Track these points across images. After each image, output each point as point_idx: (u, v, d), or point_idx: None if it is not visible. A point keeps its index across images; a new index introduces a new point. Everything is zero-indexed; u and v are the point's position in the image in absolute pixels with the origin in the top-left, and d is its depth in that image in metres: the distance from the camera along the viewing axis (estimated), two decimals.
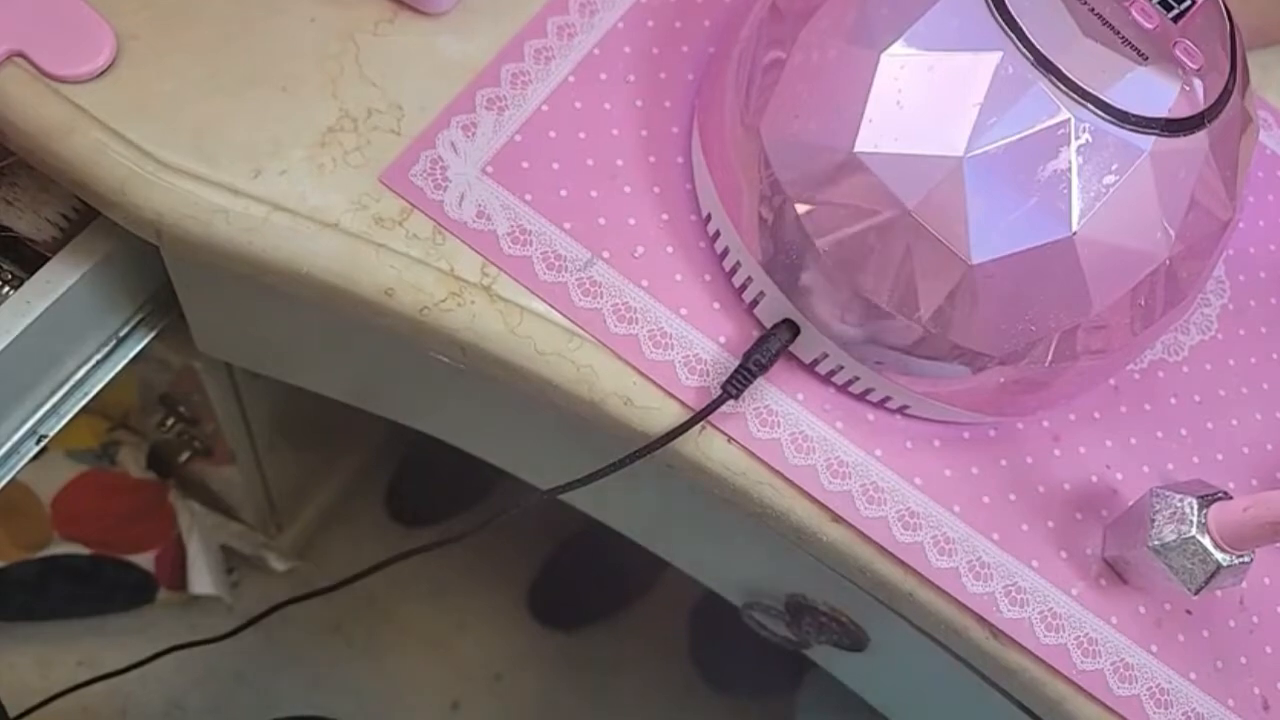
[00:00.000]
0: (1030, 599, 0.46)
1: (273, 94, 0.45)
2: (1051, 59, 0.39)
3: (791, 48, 0.43)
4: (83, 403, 0.57)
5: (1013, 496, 0.47)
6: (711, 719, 1.28)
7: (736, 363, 0.45)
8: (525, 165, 0.47)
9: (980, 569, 0.46)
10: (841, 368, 0.45)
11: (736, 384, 0.44)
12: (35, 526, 1.08)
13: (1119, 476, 0.49)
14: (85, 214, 0.51)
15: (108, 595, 1.14)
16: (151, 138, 0.43)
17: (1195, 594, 0.43)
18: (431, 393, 0.57)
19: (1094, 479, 0.49)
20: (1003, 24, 0.39)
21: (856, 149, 0.40)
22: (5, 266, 0.51)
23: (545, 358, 0.45)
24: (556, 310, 0.45)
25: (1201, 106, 0.40)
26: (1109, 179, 0.39)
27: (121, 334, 0.57)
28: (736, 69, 0.46)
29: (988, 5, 0.39)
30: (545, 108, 0.48)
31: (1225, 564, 0.43)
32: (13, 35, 0.42)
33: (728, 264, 0.47)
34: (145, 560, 1.13)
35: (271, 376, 0.62)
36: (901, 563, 0.45)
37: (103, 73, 0.43)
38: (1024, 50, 0.39)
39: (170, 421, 0.83)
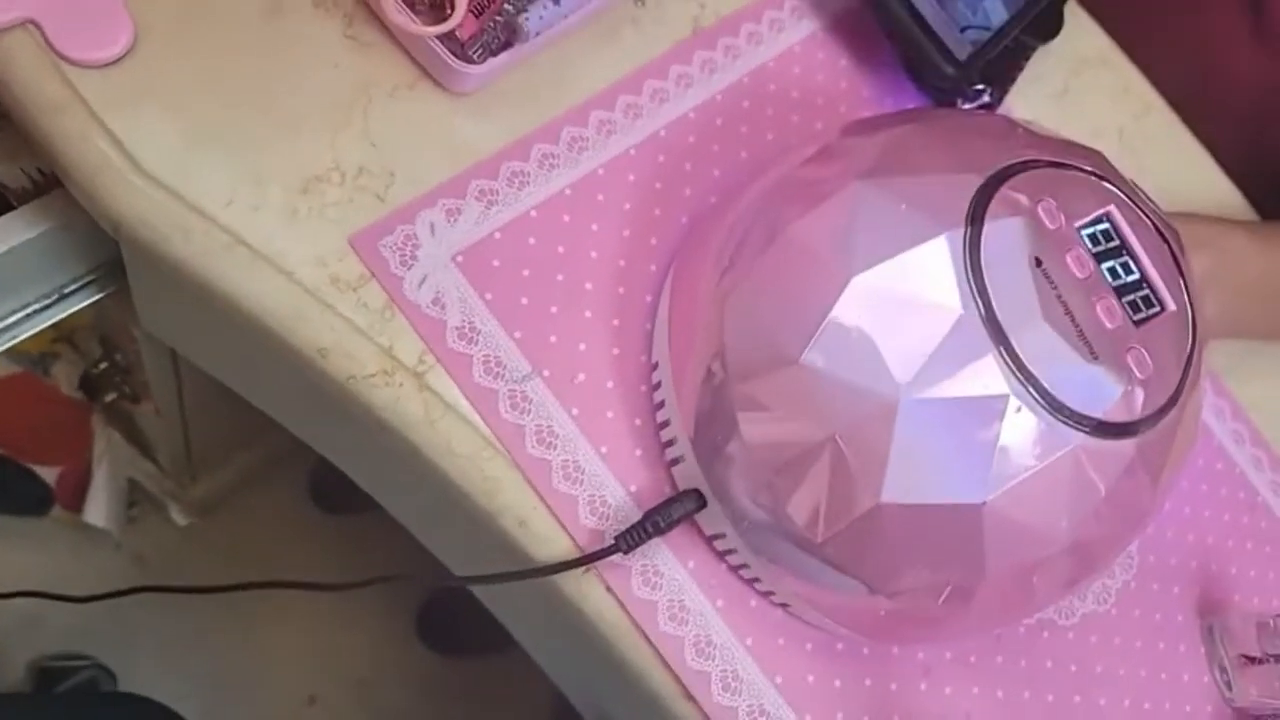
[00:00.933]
0: None
1: (271, 127, 0.46)
2: (1008, 333, 0.39)
3: (780, 235, 0.43)
4: (9, 344, 0.57)
5: (867, 719, 0.47)
6: None
7: (639, 516, 0.45)
8: (496, 264, 0.47)
9: None
10: (736, 551, 0.45)
11: (631, 539, 0.44)
12: None
13: None
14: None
15: (1, 496, 1.12)
16: (136, 138, 0.43)
17: None
18: (352, 439, 0.57)
19: None
20: (973, 285, 0.40)
21: (802, 359, 0.40)
22: None
23: (456, 458, 0.45)
24: (481, 416, 0.45)
25: (1138, 415, 0.41)
26: (1029, 461, 0.40)
27: (66, 291, 0.56)
28: (728, 231, 0.46)
29: (965, 263, 0.40)
30: (534, 213, 0.48)
31: None
32: (31, 3, 0.42)
33: (660, 416, 0.47)
34: (49, 474, 1.11)
35: (205, 371, 0.62)
36: None
37: (110, 64, 0.43)
38: (985, 317, 0.39)
39: (104, 365, 0.82)
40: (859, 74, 0.58)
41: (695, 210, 0.51)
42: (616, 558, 0.44)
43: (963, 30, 0.56)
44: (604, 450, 0.46)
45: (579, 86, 0.51)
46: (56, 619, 1.18)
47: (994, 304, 0.40)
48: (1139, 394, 0.41)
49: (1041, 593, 0.45)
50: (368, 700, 1.25)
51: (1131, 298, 0.42)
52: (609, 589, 0.45)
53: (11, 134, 0.49)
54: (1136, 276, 0.42)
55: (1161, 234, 0.44)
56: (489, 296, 0.47)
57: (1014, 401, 0.39)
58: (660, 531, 0.45)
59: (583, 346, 0.47)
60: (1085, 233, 0.42)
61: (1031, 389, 0.39)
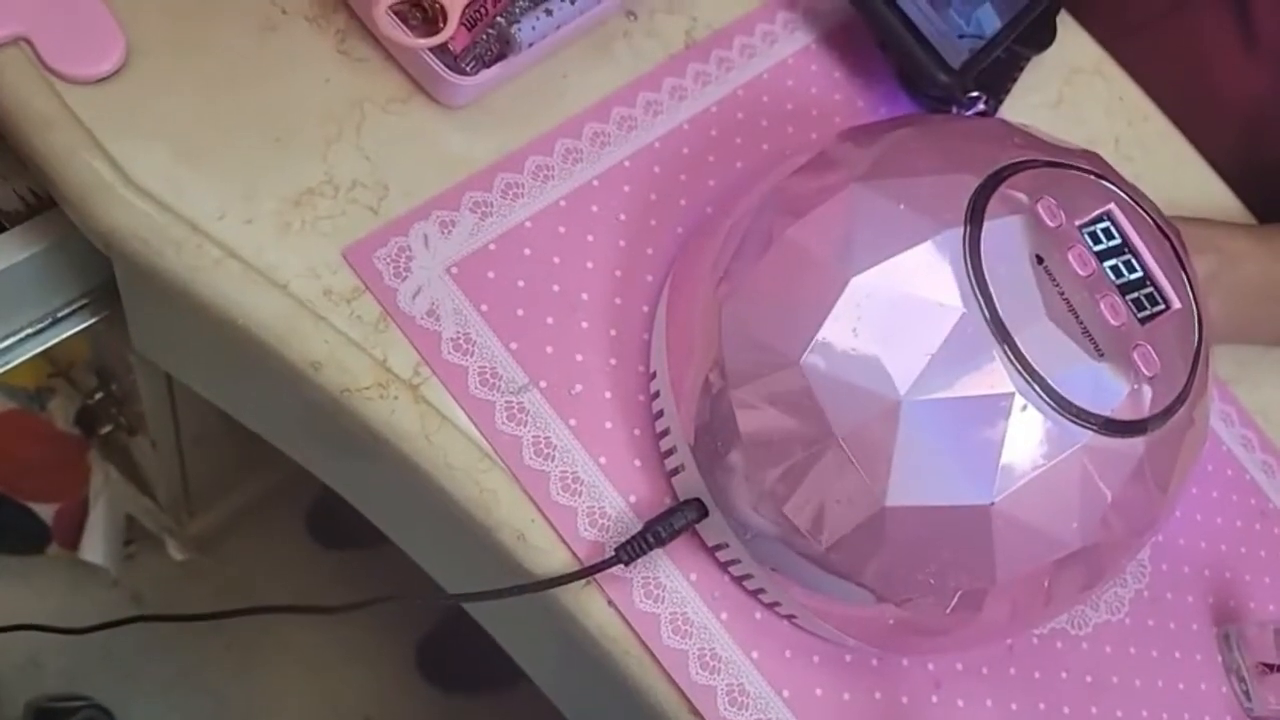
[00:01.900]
0: None
1: (264, 141, 0.45)
2: (1011, 331, 0.39)
3: (777, 239, 0.43)
4: (3, 370, 0.56)
5: None
6: None
7: (639, 527, 0.44)
8: (491, 275, 0.47)
9: None
10: (739, 561, 0.44)
11: (631, 550, 0.43)
12: None
13: None
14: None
15: None
16: (128, 154, 0.43)
17: None
18: (348, 457, 0.56)
19: None
20: (974, 283, 0.39)
21: (802, 362, 0.40)
22: None
23: (452, 472, 0.44)
24: (477, 428, 0.44)
25: (1146, 414, 0.40)
26: (1037, 461, 0.39)
27: (60, 314, 0.56)
28: (725, 239, 0.46)
29: (965, 261, 0.40)
30: (528, 224, 0.48)
31: None
32: (23, 19, 0.42)
33: (659, 426, 0.46)
34: (46, 512, 1.10)
35: (200, 394, 0.61)
36: None
37: (102, 80, 0.43)
38: (987, 315, 0.39)
39: (100, 395, 0.81)
40: (853, 85, 0.58)
41: (691, 220, 0.51)
42: (617, 570, 0.44)
43: (958, 38, 0.56)
44: (603, 461, 0.46)
45: (572, 99, 0.51)
46: (55, 659, 1.17)
47: (996, 302, 0.39)
48: (1146, 391, 0.40)
49: (1053, 599, 0.43)
50: None
51: (1135, 295, 0.41)
52: (610, 602, 0.44)
53: (3, 155, 0.49)
54: (1140, 274, 0.42)
55: (1163, 232, 0.44)
56: (484, 308, 0.46)
57: (1019, 400, 0.38)
58: (661, 542, 0.44)
59: (580, 357, 0.47)
60: (1086, 231, 0.42)
61: (1037, 387, 0.38)
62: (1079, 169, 0.43)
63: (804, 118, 0.56)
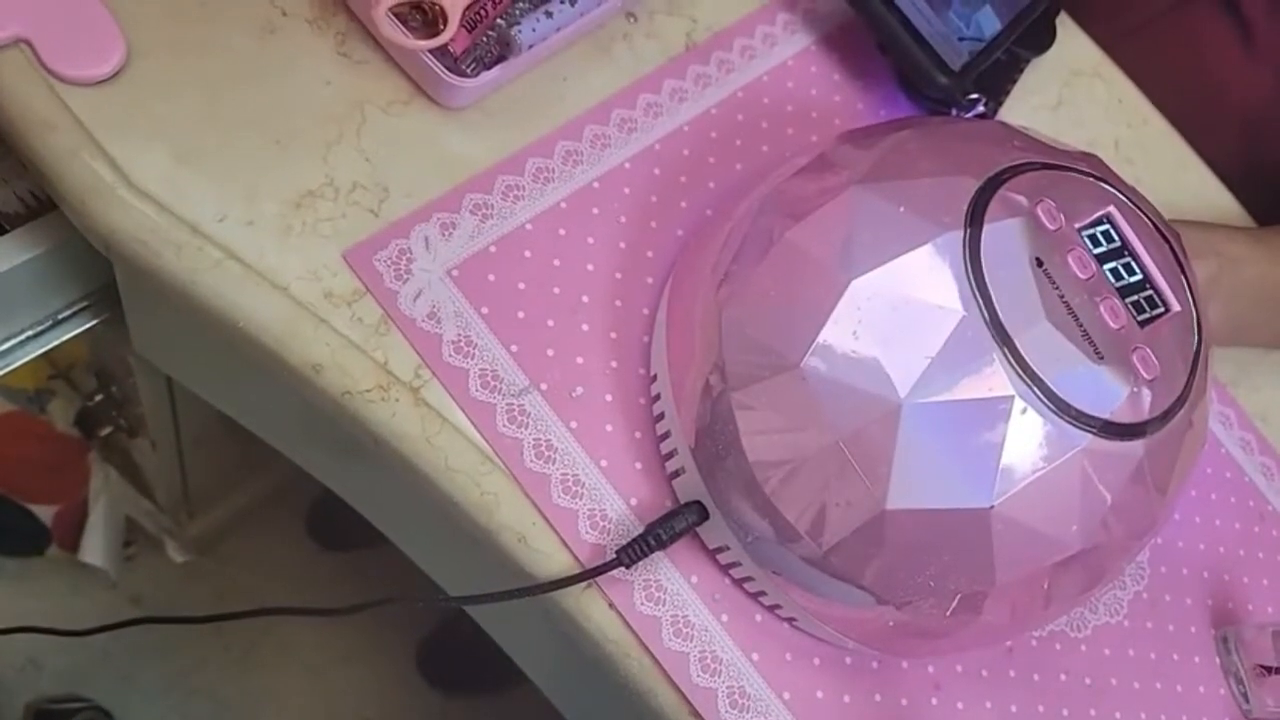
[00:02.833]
0: None
1: (264, 143, 0.45)
2: (1011, 334, 0.39)
3: (778, 241, 0.43)
4: (3, 372, 0.56)
5: None
6: None
7: (640, 530, 0.44)
8: (491, 278, 0.47)
9: None
10: (740, 563, 0.44)
11: (632, 553, 0.43)
12: None
13: None
14: None
15: None
16: (129, 155, 0.43)
17: None
18: (349, 460, 0.56)
19: None
20: (974, 286, 0.39)
21: (802, 364, 0.40)
22: None
23: (453, 474, 0.44)
24: (478, 430, 0.44)
25: (1145, 417, 0.40)
26: (1037, 464, 0.39)
27: (60, 316, 0.56)
28: (725, 242, 0.46)
29: (965, 263, 0.40)
30: (529, 226, 0.48)
31: None
32: (23, 21, 0.42)
33: (660, 428, 0.46)
34: (45, 513, 1.10)
35: (200, 396, 0.61)
36: None
37: (102, 81, 0.43)
38: (987, 317, 0.39)
39: (100, 397, 0.81)
40: (853, 87, 0.58)
41: (691, 223, 0.51)
42: (618, 573, 0.44)
43: (957, 41, 0.56)
44: (603, 463, 0.46)
45: (572, 102, 0.51)
46: (55, 661, 1.17)
47: (996, 305, 0.39)
48: (1146, 394, 0.40)
49: (1053, 601, 0.44)
50: None
51: (1135, 298, 0.41)
52: (611, 605, 0.44)
53: (4, 156, 0.49)
54: (1139, 277, 0.42)
55: (1162, 235, 0.44)
56: (485, 310, 0.46)
57: (1019, 403, 0.39)
58: (662, 545, 0.44)
59: (580, 359, 0.47)
60: (1086, 234, 0.42)
61: (1037, 390, 0.39)
62: (1078, 171, 0.43)
63: (804, 120, 0.56)
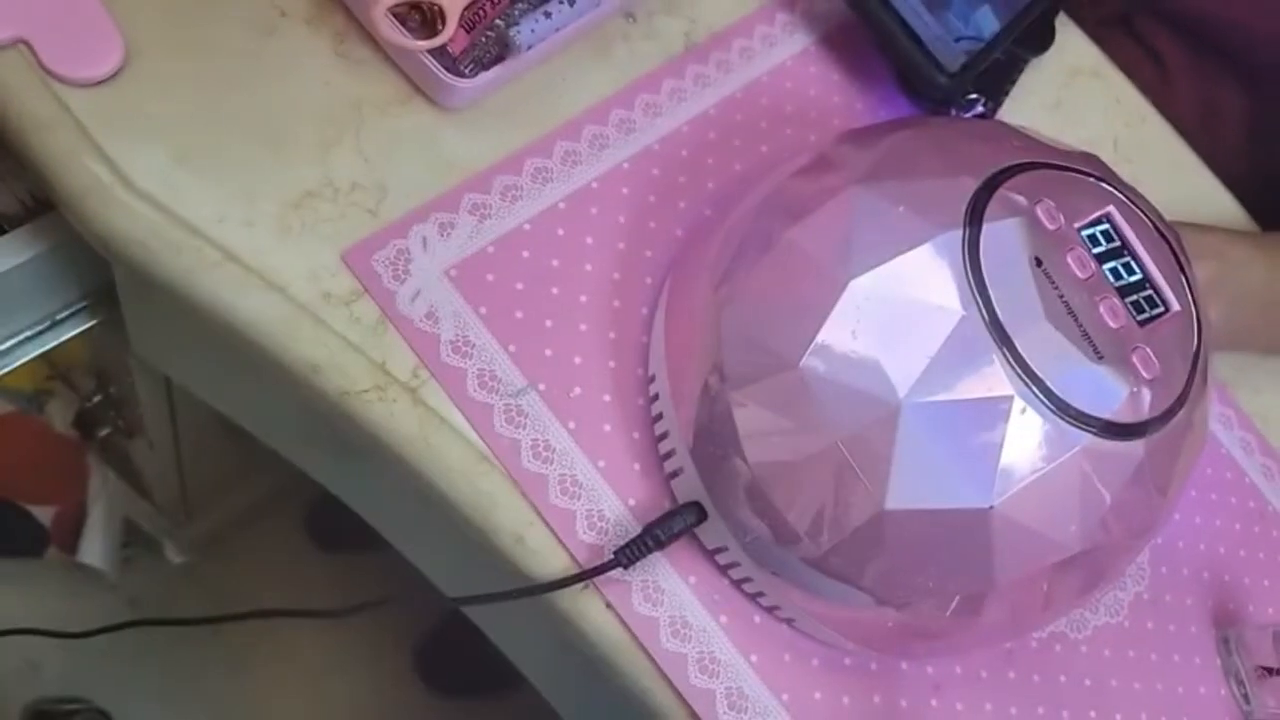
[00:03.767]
0: None
1: (263, 144, 0.45)
2: (1010, 334, 0.39)
3: (777, 241, 0.43)
4: (2, 372, 0.56)
5: None
6: None
7: (638, 530, 0.44)
8: (490, 278, 0.47)
9: None
10: (738, 564, 0.44)
11: (630, 553, 0.43)
12: None
13: None
14: None
15: None
16: (127, 156, 0.43)
17: None
18: (346, 460, 0.56)
19: None
20: (973, 285, 0.39)
21: (801, 365, 0.40)
22: None
23: (450, 475, 0.44)
24: (476, 431, 0.44)
25: (1145, 416, 0.40)
26: (1037, 464, 0.39)
27: (59, 317, 0.56)
28: (724, 242, 0.46)
29: (964, 263, 0.40)
30: (527, 226, 0.48)
31: None
32: (22, 22, 0.42)
33: (658, 429, 0.46)
34: (44, 514, 1.10)
35: (199, 396, 0.61)
36: None
37: (101, 82, 0.43)
38: (986, 318, 0.39)
39: (98, 398, 0.81)
40: (852, 87, 0.58)
41: (690, 223, 0.51)
42: (616, 573, 0.43)
43: (955, 41, 0.56)
44: (601, 464, 0.45)
45: (571, 102, 0.51)
46: (53, 662, 1.17)
47: (995, 304, 0.39)
48: (1146, 394, 0.40)
49: (1052, 602, 0.43)
50: None
51: (1134, 298, 0.41)
52: (609, 605, 0.44)
53: (2, 157, 0.49)
54: (1139, 277, 0.42)
55: (1162, 234, 0.44)
56: (483, 310, 0.46)
57: (1019, 403, 0.38)
58: (660, 545, 0.44)
59: (578, 360, 0.47)
60: (1085, 233, 0.42)
61: (1036, 390, 0.38)
62: (1078, 171, 0.43)
63: (803, 120, 0.56)
